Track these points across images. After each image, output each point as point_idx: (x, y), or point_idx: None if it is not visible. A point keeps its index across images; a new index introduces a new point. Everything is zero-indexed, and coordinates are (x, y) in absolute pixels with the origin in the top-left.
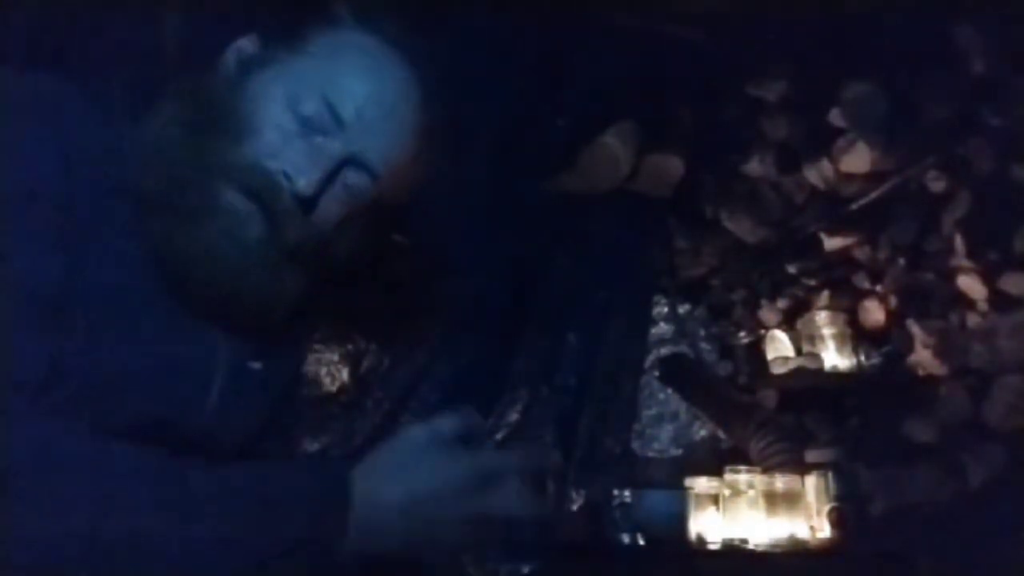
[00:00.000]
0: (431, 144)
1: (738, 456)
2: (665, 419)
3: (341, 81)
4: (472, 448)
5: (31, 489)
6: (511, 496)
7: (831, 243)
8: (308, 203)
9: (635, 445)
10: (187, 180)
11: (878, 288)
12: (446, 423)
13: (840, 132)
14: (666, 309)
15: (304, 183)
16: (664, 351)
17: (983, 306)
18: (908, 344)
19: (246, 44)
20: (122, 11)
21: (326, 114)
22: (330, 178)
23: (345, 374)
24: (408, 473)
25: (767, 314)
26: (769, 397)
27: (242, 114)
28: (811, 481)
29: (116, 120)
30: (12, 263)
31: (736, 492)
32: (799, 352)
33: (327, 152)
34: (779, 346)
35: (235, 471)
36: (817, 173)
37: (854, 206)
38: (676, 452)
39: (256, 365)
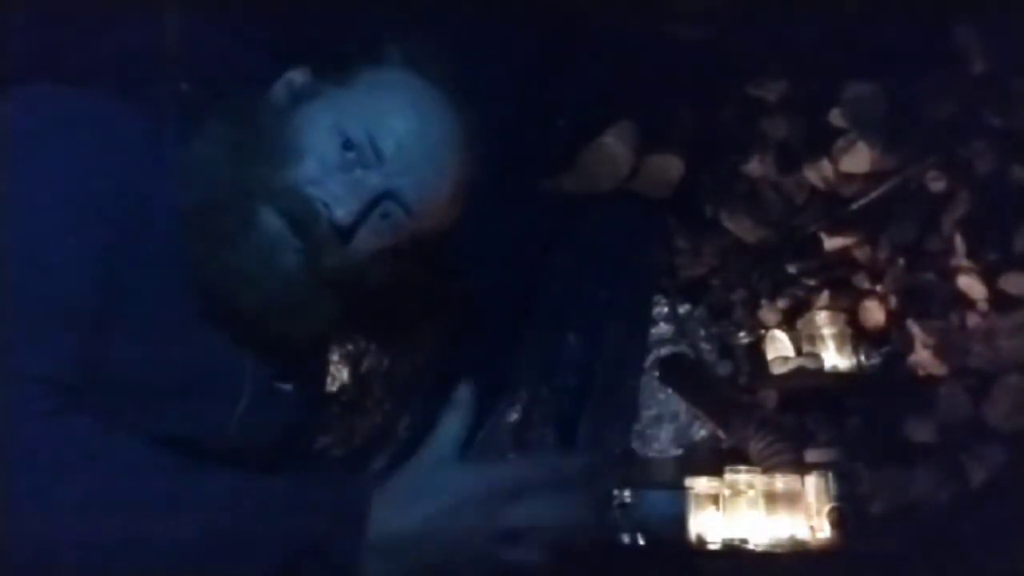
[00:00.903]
0: (469, 186)
1: (738, 456)
2: (665, 419)
3: (385, 116)
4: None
5: (42, 484)
6: (538, 507)
7: (831, 243)
8: (345, 233)
9: (635, 445)
10: (227, 200)
11: (878, 288)
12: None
13: (840, 132)
14: (666, 309)
15: (342, 213)
16: (664, 351)
17: (983, 306)
18: (908, 344)
19: (297, 76)
20: (123, 16)
21: (367, 147)
22: (368, 210)
23: (345, 374)
24: (426, 496)
25: (767, 314)
26: (769, 397)
27: (287, 141)
28: (811, 481)
29: (163, 136)
30: (53, 271)
31: (736, 492)
32: (799, 352)
33: (366, 185)
34: (779, 346)
35: (255, 477)
36: (817, 173)
37: (854, 206)
38: (676, 452)
39: (287, 387)
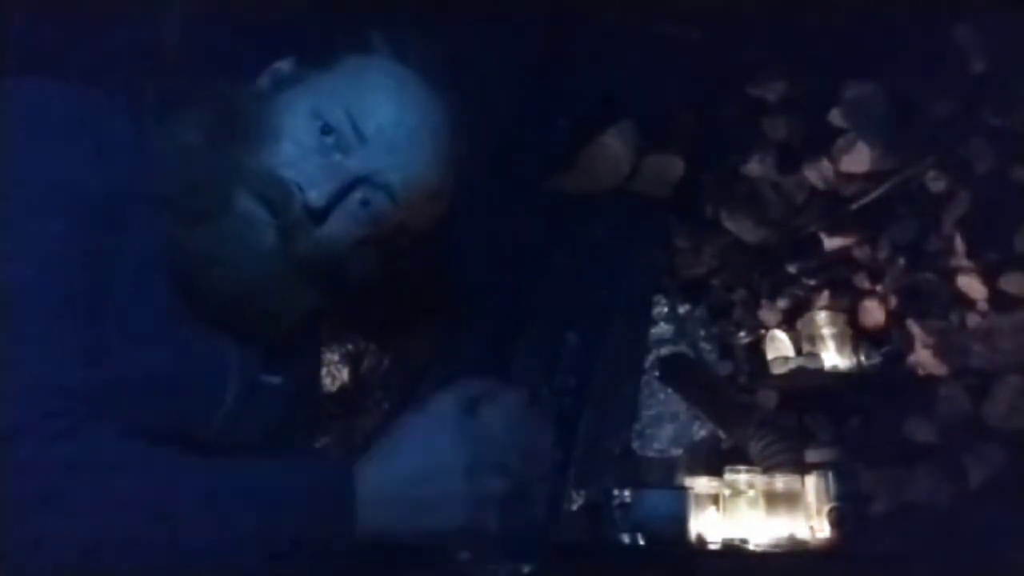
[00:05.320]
0: (456, 177)
1: (738, 456)
2: (665, 419)
3: (365, 98)
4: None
5: (35, 488)
6: (506, 479)
7: (831, 243)
8: (318, 215)
9: (635, 445)
10: (201, 182)
11: (878, 288)
12: (447, 400)
13: (840, 132)
14: (666, 309)
15: (315, 195)
16: (664, 351)
17: (983, 306)
18: (908, 344)
19: (283, 65)
20: (123, 14)
21: (347, 128)
22: (343, 193)
23: (345, 374)
24: (404, 457)
25: (767, 314)
26: (769, 397)
27: (264, 124)
28: (811, 481)
29: (145, 126)
30: (35, 268)
31: (736, 492)
32: (799, 352)
33: (343, 168)
34: (779, 346)
35: (236, 470)
36: (817, 173)
37: (854, 206)
38: (676, 452)
39: (274, 379)
